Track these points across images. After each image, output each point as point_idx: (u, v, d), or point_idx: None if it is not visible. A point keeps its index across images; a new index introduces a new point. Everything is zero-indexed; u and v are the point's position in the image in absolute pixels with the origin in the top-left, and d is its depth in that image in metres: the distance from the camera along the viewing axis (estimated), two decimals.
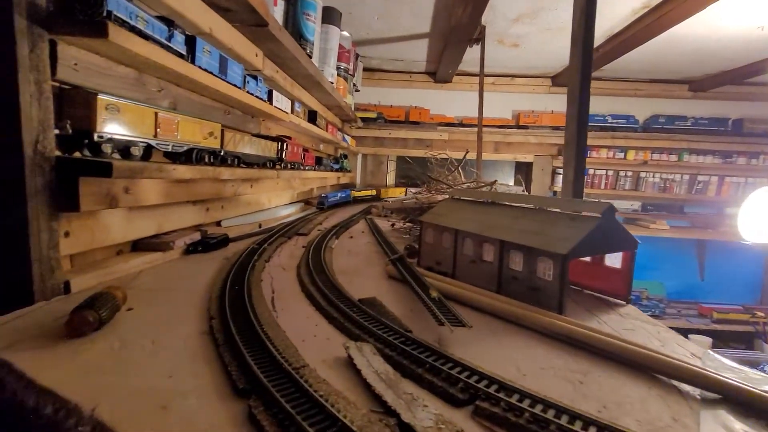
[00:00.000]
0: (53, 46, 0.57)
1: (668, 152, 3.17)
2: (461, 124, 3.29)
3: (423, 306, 0.59)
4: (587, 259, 0.78)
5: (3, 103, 0.52)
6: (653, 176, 3.22)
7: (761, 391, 0.39)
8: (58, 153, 0.59)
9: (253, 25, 1.02)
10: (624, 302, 0.72)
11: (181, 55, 0.79)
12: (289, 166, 1.52)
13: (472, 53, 2.59)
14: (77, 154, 0.62)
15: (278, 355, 0.42)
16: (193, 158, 0.84)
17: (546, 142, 3.26)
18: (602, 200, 0.67)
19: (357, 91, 2.95)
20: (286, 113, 1.42)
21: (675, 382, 0.44)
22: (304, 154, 1.75)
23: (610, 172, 3.24)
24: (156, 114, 0.73)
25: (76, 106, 0.61)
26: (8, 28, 0.52)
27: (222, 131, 0.96)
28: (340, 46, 2.16)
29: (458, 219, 0.84)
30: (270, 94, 1.30)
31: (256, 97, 1.18)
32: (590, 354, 0.50)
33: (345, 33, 2.19)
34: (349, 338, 0.50)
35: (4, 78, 0.52)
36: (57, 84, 0.60)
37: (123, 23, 0.62)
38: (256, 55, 1.19)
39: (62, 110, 0.61)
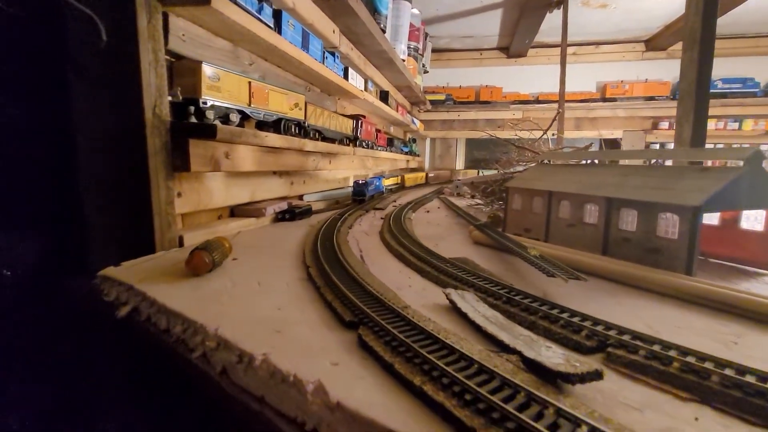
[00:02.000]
0: (165, 17, 0.62)
1: None
2: (537, 101, 3.07)
3: (524, 262, 0.54)
4: (714, 222, 0.67)
5: (127, 71, 0.58)
6: None
7: None
8: (170, 118, 0.65)
9: None
10: None
11: (269, 28, 0.82)
12: (363, 144, 1.53)
13: (550, 21, 2.39)
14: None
15: (380, 295, 0.41)
16: (281, 128, 0.88)
17: (638, 115, 2.90)
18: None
19: (426, 72, 2.89)
20: (361, 90, 1.43)
21: None
22: (377, 134, 1.75)
23: (721, 146, 2.79)
24: (249, 83, 0.76)
25: (184, 75, 0.66)
26: (129, 1, 0.57)
27: (306, 104, 0.99)
28: (411, 25, 2.12)
29: (552, 182, 0.77)
30: (346, 71, 1.32)
31: (334, 72, 1.20)
32: (738, 317, 0.42)
33: (415, 10, 2.15)
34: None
35: (127, 47, 0.58)
36: (169, 56, 0.65)
37: None
38: (333, 32, 1.21)
39: (172, 80, 0.67)
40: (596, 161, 0.78)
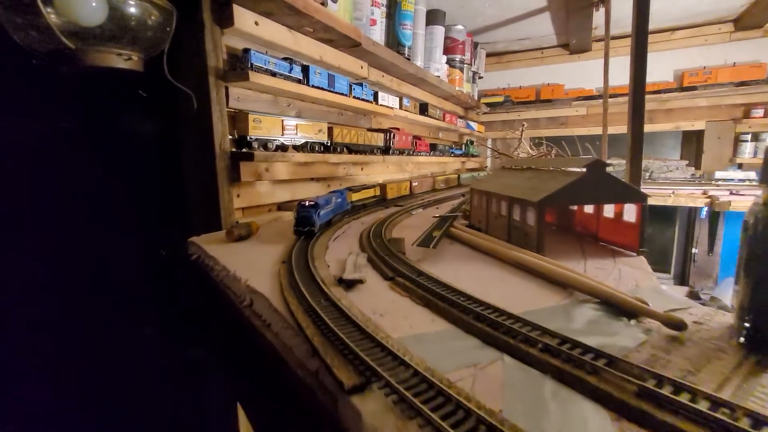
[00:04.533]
0: (227, 89, 1.03)
1: None
2: (600, 96, 2.96)
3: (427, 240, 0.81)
4: (610, 215, 0.83)
5: (205, 123, 1.00)
6: None
7: (624, 294, 0.49)
8: (232, 149, 1.06)
9: (351, 47, 1.36)
10: (635, 254, 0.76)
11: (299, 81, 1.19)
12: (397, 152, 1.84)
13: (616, 11, 2.36)
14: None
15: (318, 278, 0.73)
16: (307, 148, 1.24)
17: (723, 103, 2.62)
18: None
19: (480, 78, 3.04)
20: (391, 108, 1.74)
21: (578, 293, 0.55)
22: (416, 142, 2.03)
23: None
24: (282, 121, 1.14)
25: (239, 122, 1.07)
26: (206, 84, 0.98)
27: (330, 128, 1.34)
28: (453, 39, 2.35)
29: (493, 184, 0.99)
30: (375, 95, 1.64)
31: (362, 99, 1.53)
32: (532, 276, 0.64)
33: (458, 26, 2.37)
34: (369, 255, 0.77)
35: (205, 109, 0.99)
36: (230, 110, 1.06)
37: (260, 69, 1.04)
38: (362, 67, 1.54)
39: (233, 124, 1.07)
40: (532, 166, 0.97)
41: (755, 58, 2.55)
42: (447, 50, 2.33)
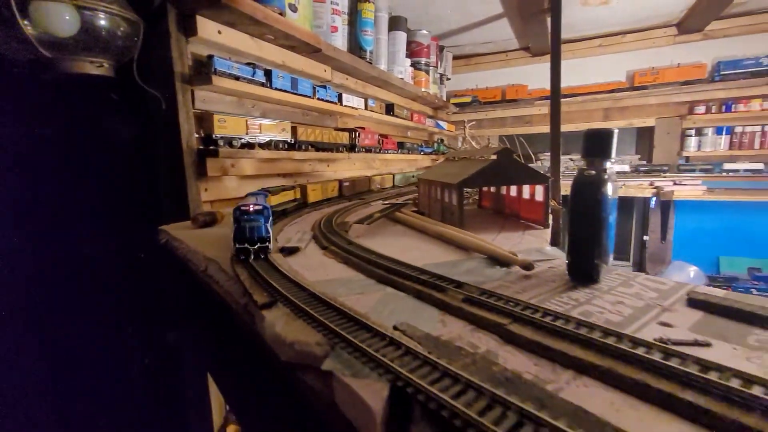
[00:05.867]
0: (192, 92, 1.13)
1: None
2: (563, 95, 3.15)
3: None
4: (527, 197, 0.96)
5: (173, 122, 1.10)
6: None
7: (505, 251, 0.62)
8: (199, 146, 1.16)
9: (312, 52, 1.48)
10: (542, 227, 0.89)
11: (262, 84, 1.30)
12: (363, 150, 1.96)
13: (569, 18, 2.55)
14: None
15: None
16: (272, 146, 1.35)
17: (671, 101, 2.83)
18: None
19: (448, 79, 3.19)
20: (356, 109, 1.86)
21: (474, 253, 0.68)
22: (382, 140, 2.16)
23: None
24: (246, 120, 1.25)
25: (205, 121, 1.17)
26: (173, 87, 1.09)
27: (294, 127, 1.45)
28: (418, 43, 2.49)
29: (434, 173, 1.12)
30: (340, 96, 1.76)
31: (327, 100, 1.65)
32: (447, 244, 0.76)
33: (423, 31, 2.51)
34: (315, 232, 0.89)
35: (172, 112, 1.10)
36: (197, 111, 1.16)
37: (223, 74, 1.15)
38: (325, 71, 1.66)
39: (200, 124, 1.18)
40: (466, 156, 1.10)
41: (697, 59, 2.76)
42: (412, 54, 2.47)
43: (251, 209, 0.63)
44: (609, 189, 0.48)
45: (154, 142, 1.19)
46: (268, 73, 1.33)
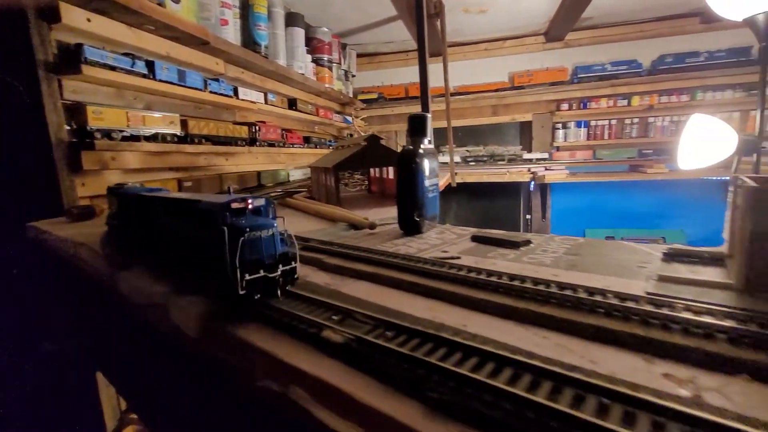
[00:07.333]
0: (59, 82, 1.08)
1: (678, 93, 3.03)
2: (457, 93, 3.49)
3: None
4: (391, 176, 1.11)
5: (39, 114, 1.04)
6: (663, 120, 3.10)
7: (361, 218, 0.74)
8: (72, 139, 1.10)
9: (200, 44, 1.48)
10: None
11: (144, 75, 1.27)
12: (265, 144, 1.98)
13: (457, 24, 2.82)
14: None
15: None
16: (158, 138, 1.33)
17: (543, 99, 3.31)
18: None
19: (353, 76, 3.32)
20: (254, 103, 1.88)
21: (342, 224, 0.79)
22: (285, 134, 2.20)
23: (614, 121, 3.19)
24: (127, 112, 1.22)
25: (77, 113, 1.12)
26: (35, 76, 1.02)
27: (184, 120, 1.44)
28: (319, 40, 2.56)
29: (323, 161, 1.22)
30: (236, 90, 1.76)
31: (220, 94, 1.64)
32: (322, 219, 0.86)
33: (323, 29, 2.59)
34: None
35: (36, 103, 1.03)
36: (66, 102, 1.11)
37: (96, 63, 1.11)
38: (217, 63, 1.66)
39: (72, 116, 1.12)
40: (345, 144, 1.22)
41: (561, 64, 3.26)
42: (314, 50, 2.54)
43: (250, 205, 0.40)
44: (425, 162, 0.62)
45: (18, 136, 1.10)
46: (150, 65, 1.30)
